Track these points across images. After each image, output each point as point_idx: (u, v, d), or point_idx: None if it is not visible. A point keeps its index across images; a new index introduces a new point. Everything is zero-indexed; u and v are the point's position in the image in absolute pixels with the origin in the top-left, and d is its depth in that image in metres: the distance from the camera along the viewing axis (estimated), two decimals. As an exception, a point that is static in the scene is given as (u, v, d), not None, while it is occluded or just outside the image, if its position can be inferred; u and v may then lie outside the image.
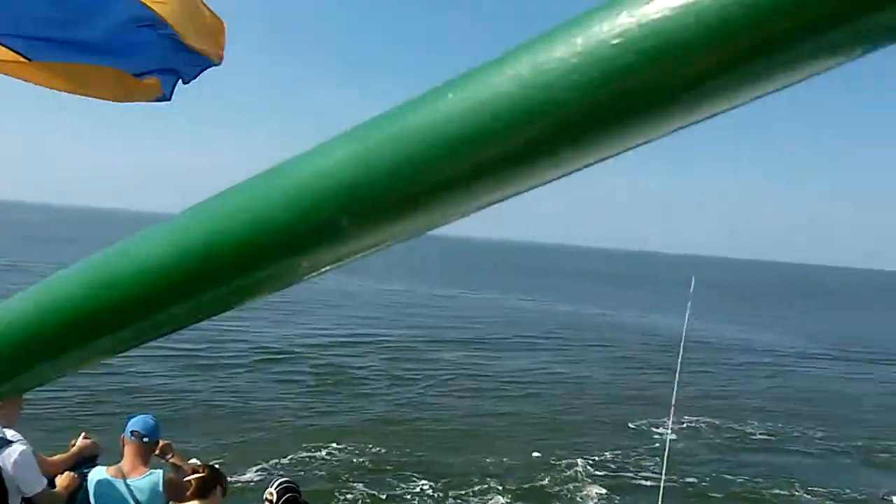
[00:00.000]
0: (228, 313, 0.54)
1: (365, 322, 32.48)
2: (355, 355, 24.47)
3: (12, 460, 4.58)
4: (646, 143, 0.46)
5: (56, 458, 5.47)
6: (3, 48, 3.41)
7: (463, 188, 0.46)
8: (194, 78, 4.34)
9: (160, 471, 4.95)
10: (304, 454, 14.30)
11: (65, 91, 3.85)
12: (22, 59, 3.47)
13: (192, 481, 4.72)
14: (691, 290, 8.41)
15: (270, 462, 13.59)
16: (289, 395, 18.91)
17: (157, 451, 5.16)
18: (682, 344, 8.16)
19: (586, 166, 0.47)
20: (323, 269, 0.52)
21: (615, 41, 0.42)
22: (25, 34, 3.50)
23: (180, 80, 4.28)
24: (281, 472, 12.17)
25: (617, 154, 0.46)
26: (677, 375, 7.89)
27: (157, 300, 0.52)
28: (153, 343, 0.60)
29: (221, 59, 4.39)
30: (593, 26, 0.43)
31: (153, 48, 3.97)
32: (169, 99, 4.25)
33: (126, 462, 4.91)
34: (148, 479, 4.82)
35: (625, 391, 22.35)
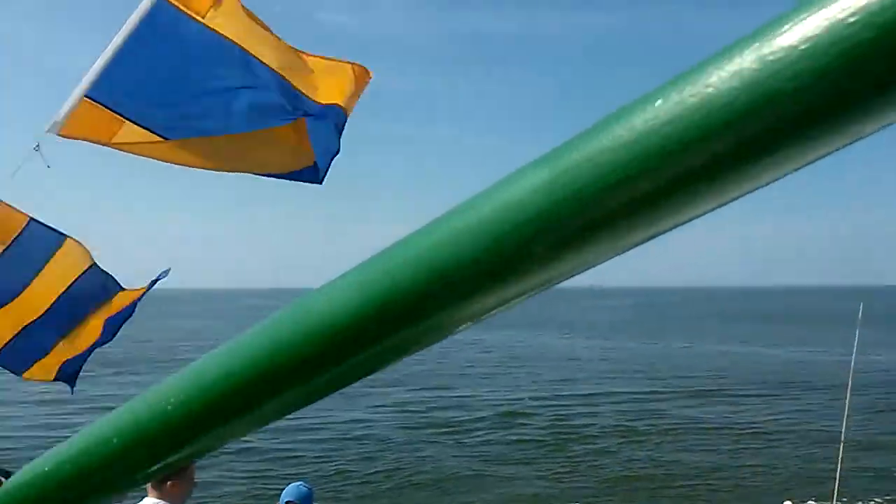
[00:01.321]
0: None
1: (580, 378, 32.59)
2: (579, 412, 24.46)
3: None
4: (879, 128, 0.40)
5: None
6: (141, 128, 3.47)
7: (677, 195, 0.42)
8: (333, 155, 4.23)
9: None
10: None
11: (206, 167, 3.89)
12: (158, 139, 3.53)
13: None
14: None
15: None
16: (522, 454, 19.11)
17: None
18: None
19: (806, 164, 0.42)
20: (512, 302, 0.50)
21: (852, 18, 0.38)
22: (161, 116, 3.59)
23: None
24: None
25: (842, 146, 0.41)
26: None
27: (350, 346, 0.51)
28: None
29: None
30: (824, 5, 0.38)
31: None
32: (320, 181, 4.24)
33: None
34: None
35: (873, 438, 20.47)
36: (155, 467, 0.66)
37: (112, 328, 3.82)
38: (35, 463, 0.74)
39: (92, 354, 3.87)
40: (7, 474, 5.31)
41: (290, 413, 0.60)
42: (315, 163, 4.08)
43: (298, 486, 5.26)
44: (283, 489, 5.31)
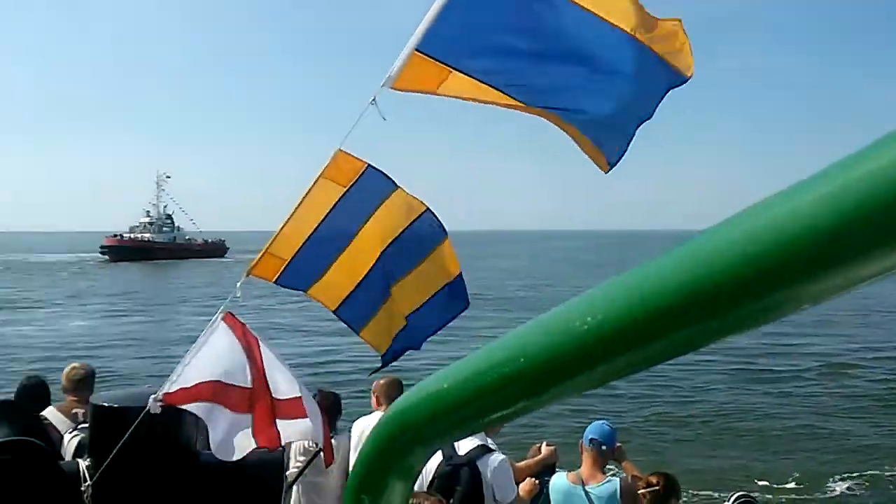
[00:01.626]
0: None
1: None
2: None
3: (493, 468, 4.75)
4: None
5: (522, 464, 5.72)
6: (467, 77, 3.47)
7: None
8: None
9: (617, 479, 5.00)
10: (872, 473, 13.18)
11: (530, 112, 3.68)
12: (484, 86, 3.49)
13: (647, 494, 4.66)
14: None
15: (837, 480, 12.89)
16: (855, 409, 17.55)
17: (613, 458, 5.24)
18: None
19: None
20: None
21: None
22: (523, 81, 3.54)
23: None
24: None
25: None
26: None
27: (727, 298, 0.47)
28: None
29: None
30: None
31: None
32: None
33: (585, 469, 4.97)
34: (606, 487, 4.85)
35: None
36: (560, 390, 0.63)
37: (453, 297, 3.93)
38: (431, 380, 0.75)
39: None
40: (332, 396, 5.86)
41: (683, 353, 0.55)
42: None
43: (602, 424, 5.22)
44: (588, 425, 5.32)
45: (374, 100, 3.39)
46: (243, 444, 2.99)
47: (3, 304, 42.95)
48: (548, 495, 5.08)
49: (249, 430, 3.02)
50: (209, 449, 2.96)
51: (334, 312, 3.81)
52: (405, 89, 3.49)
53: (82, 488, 2.70)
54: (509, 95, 3.53)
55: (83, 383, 5.50)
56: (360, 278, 3.72)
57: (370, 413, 5.93)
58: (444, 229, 3.93)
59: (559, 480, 5.06)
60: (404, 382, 5.65)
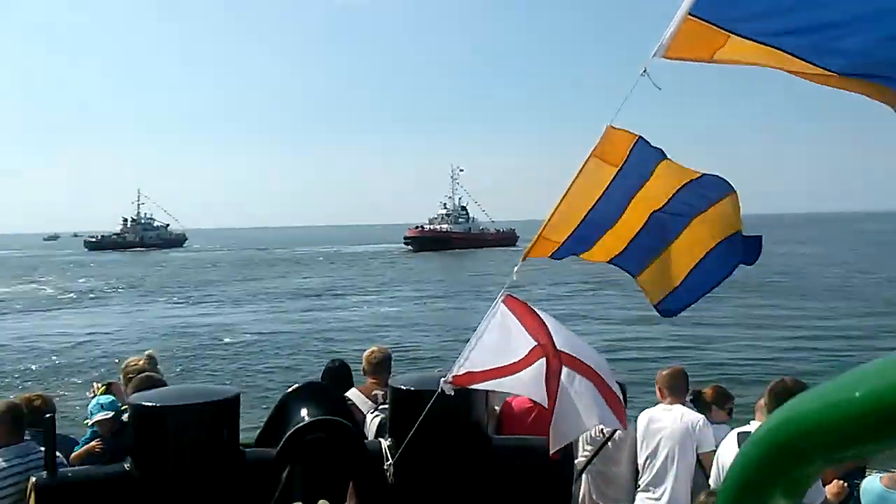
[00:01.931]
0: None
1: None
2: None
3: None
4: None
5: None
6: (748, 41, 3.09)
7: None
8: None
9: None
10: None
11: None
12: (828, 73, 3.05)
13: None
14: None
15: None
16: None
17: None
18: None
19: None
20: None
21: None
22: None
23: None
24: None
25: None
26: None
27: None
28: None
29: None
30: None
31: None
32: None
33: None
34: None
35: None
36: None
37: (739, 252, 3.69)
38: (835, 386, 0.68)
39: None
40: None
41: None
42: None
43: None
44: None
45: (645, 71, 3.21)
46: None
47: (322, 291, 48.15)
48: (858, 499, 4.72)
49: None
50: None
51: (609, 262, 3.73)
52: (678, 58, 3.25)
53: (385, 466, 2.80)
54: (807, 61, 3.13)
55: (382, 366, 5.62)
56: (633, 235, 3.62)
57: (655, 405, 5.67)
58: (730, 185, 3.69)
59: (872, 484, 4.65)
60: None
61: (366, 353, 5.79)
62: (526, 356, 2.95)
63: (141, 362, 5.90)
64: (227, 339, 28.81)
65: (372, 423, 4.82)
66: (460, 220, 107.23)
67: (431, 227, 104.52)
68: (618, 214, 3.59)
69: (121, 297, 48.61)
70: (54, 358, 25.28)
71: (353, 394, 5.33)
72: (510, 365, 2.93)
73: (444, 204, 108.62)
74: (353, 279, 58.59)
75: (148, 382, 4.79)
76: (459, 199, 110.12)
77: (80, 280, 64.26)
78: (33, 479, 2.44)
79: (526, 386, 2.91)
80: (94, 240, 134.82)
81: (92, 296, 49.80)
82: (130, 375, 5.61)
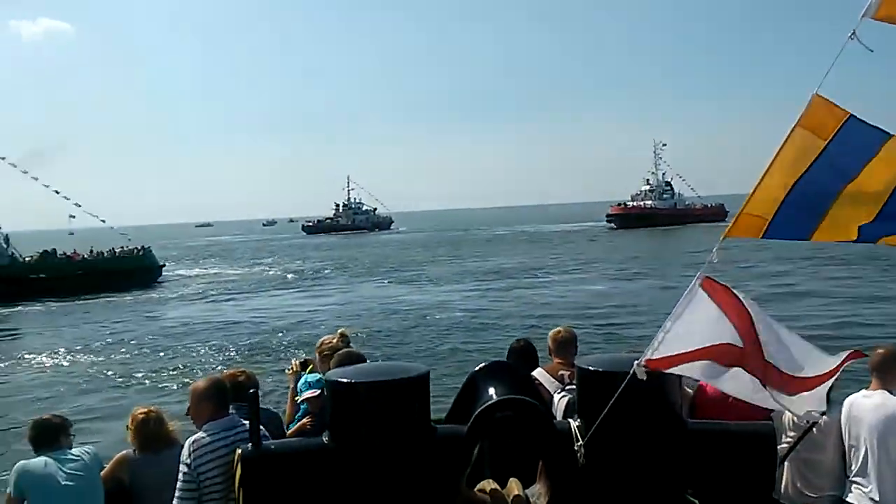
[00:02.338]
0: None
1: None
2: None
3: None
4: None
5: None
6: None
7: None
8: None
9: None
10: None
11: None
12: None
13: None
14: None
15: None
16: None
17: None
18: None
19: None
20: None
21: None
22: None
23: None
24: None
25: None
26: None
27: None
28: None
29: None
30: None
31: None
32: None
33: None
34: None
35: None
36: None
37: None
38: None
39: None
40: None
41: None
42: None
43: None
44: None
45: (853, 34, 2.88)
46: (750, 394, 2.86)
47: (524, 270, 48.53)
48: None
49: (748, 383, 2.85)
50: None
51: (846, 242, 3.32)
52: (890, 19, 2.89)
53: (575, 447, 2.74)
54: None
55: (567, 346, 5.64)
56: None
57: (858, 390, 5.20)
58: None
59: None
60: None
61: (551, 333, 5.80)
62: (724, 343, 2.86)
63: (335, 340, 6.06)
64: (433, 317, 29.75)
65: (559, 403, 4.83)
66: (665, 195, 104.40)
67: (634, 203, 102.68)
68: (831, 198, 3.21)
69: (336, 277, 51.70)
70: (280, 335, 27.30)
71: (539, 373, 5.37)
72: (705, 349, 2.85)
73: (647, 180, 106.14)
74: (557, 257, 58.51)
75: (349, 358, 4.88)
76: (663, 174, 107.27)
77: (299, 262, 69.24)
78: (239, 451, 2.55)
79: (722, 375, 2.84)
80: (311, 224, 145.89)
81: (311, 276, 53.42)
82: (325, 353, 5.81)
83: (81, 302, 42.55)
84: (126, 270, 50.93)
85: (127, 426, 4.91)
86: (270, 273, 58.44)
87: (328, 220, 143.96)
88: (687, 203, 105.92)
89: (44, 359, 25.11)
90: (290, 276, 54.67)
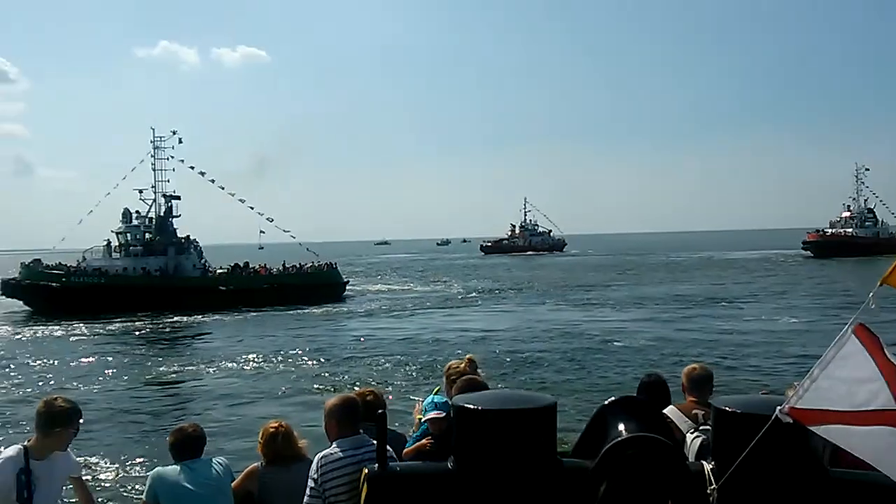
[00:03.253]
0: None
1: None
2: None
3: None
4: None
5: None
6: None
7: None
8: None
9: None
10: None
11: None
12: None
13: None
14: None
15: None
16: None
17: None
18: None
19: None
20: None
21: None
22: None
23: None
24: None
25: None
26: None
27: None
28: None
29: None
30: None
31: None
32: None
33: None
34: None
35: None
36: None
37: None
38: None
39: None
40: None
41: None
42: None
43: None
44: None
45: None
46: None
47: (708, 298, 46.32)
48: None
49: None
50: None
51: None
52: None
53: (707, 491, 2.65)
54: None
55: (703, 384, 5.41)
56: None
57: None
58: None
59: None
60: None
61: (686, 370, 5.57)
62: (877, 410, 2.57)
63: (462, 365, 6.09)
64: (612, 343, 28.97)
65: (692, 443, 4.64)
66: (867, 223, 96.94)
67: (833, 231, 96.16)
68: None
69: (512, 298, 51.78)
70: (459, 352, 27.56)
71: (671, 411, 5.22)
72: (856, 413, 2.58)
73: (848, 206, 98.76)
74: (745, 286, 55.48)
75: (471, 385, 4.87)
76: (865, 200, 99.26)
77: (476, 281, 70.09)
78: (366, 470, 2.58)
79: (871, 448, 2.56)
80: (489, 244, 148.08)
81: (488, 296, 53.91)
82: (453, 378, 5.80)
83: (273, 313, 45.29)
84: (313, 286, 53.65)
85: (258, 439, 5.07)
86: (449, 291, 59.65)
87: (505, 241, 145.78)
88: (891, 232, 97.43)
89: (231, 364, 26.83)
90: (468, 295, 55.54)
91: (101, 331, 38.97)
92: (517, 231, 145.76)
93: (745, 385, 19.43)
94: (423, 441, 5.39)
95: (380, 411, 2.76)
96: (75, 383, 23.72)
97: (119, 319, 42.74)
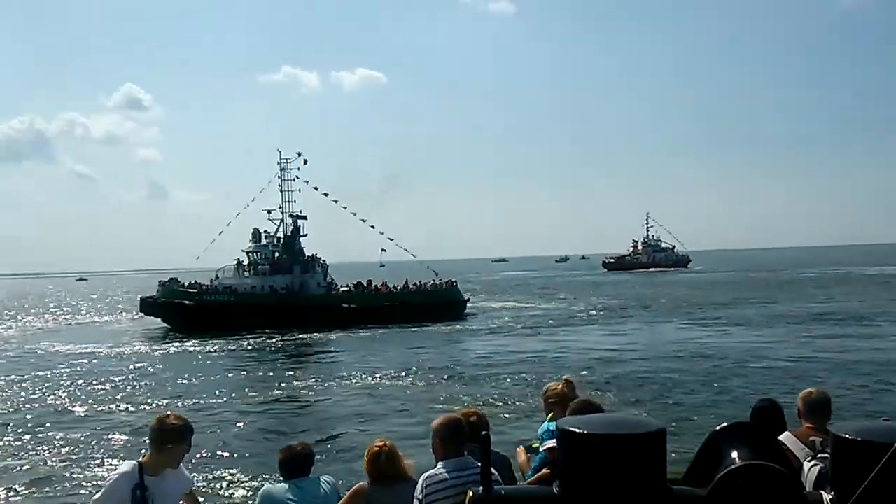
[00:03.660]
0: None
1: None
2: None
3: None
4: None
5: None
6: None
7: None
8: None
9: None
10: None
11: None
12: None
13: None
14: None
15: None
16: None
17: None
18: None
19: None
20: None
21: None
22: None
23: None
24: None
25: None
26: None
27: None
28: None
29: None
30: None
31: None
32: None
33: None
34: None
35: None
36: None
37: None
38: None
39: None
40: None
41: None
42: None
43: None
44: None
45: None
46: None
47: (845, 317, 43.75)
48: None
49: None
50: None
51: None
52: None
53: None
54: None
55: (820, 409, 5.18)
56: None
57: None
58: None
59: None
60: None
61: (802, 394, 5.36)
62: None
63: (559, 387, 6.07)
64: (746, 364, 27.57)
65: (810, 472, 4.54)
66: None
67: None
68: None
69: (638, 316, 50.35)
70: (584, 372, 26.86)
71: (786, 438, 5.05)
72: None
73: None
74: (889, 302, 51.75)
75: (583, 407, 4.83)
76: None
77: (597, 298, 68.74)
78: (470, 492, 2.48)
79: None
80: (612, 261, 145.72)
81: (612, 314, 52.62)
82: (551, 400, 5.92)
83: (397, 331, 45.83)
84: (434, 304, 54.07)
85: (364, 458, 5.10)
86: (572, 309, 58.64)
87: (627, 257, 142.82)
88: None
89: (354, 381, 27.16)
90: (591, 313, 54.48)
91: (231, 347, 40.48)
92: (640, 247, 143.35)
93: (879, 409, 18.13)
94: (543, 472, 5.34)
95: (483, 433, 2.65)
96: (204, 398, 24.62)
97: (249, 336, 44.37)
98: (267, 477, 14.31)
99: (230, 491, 14.24)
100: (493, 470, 2.76)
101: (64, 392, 26.62)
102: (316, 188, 58.57)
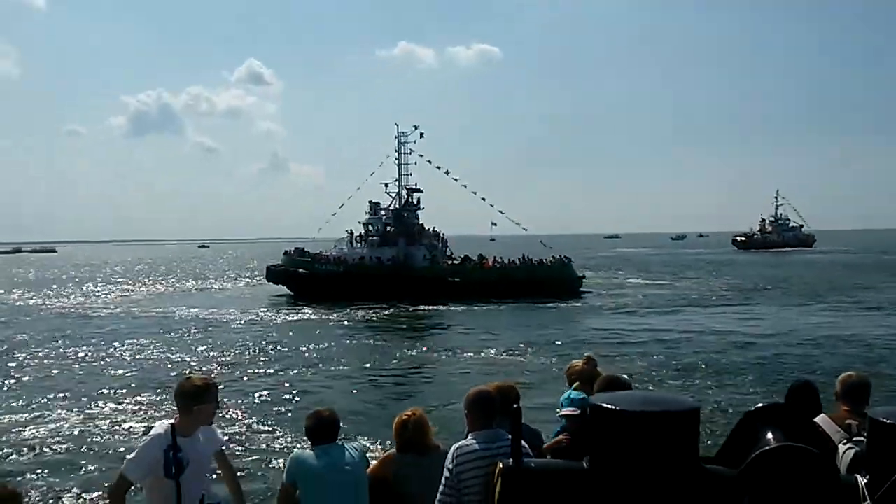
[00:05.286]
0: None
1: None
2: None
3: None
4: None
5: None
6: None
7: None
8: None
9: None
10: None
11: None
12: None
13: None
14: None
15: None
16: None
17: None
18: None
19: None
20: None
21: None
22: None
23: None
24: None
25: None
26: None
27: None
28: None
29: None
30: None
31: None
32: None
33: None
34: None
35: None
36: None
37: None
38: None
39: None
40: None
41: None
42: None
43: None
44: None
45: None
46: None
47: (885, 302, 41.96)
48: None
49: None
50: None
51: None
52: None
53: None
54: None
55: (859, 393, 5.13)
56: None
57: None
58: None
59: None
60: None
61: (841, 377, 5.29)
62: None
63: (581, 364, 6.35)
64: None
65: (845, 455, 4.45)
66: None
67: None
68: None
69: (771, 299, 47.12)
70: (716, 355, 24.99)
71: (822, 420, 5.04)
72: None
73: None
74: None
75: (612, 384, 5.02)
76: None
77: (725, 279, 65.65)
78: (500, 464, 2.31)
79: None
80: (742, 239, 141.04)
81: (742, 295, 49.66)
82: (573, 377, 6.27)
83: (504, 306, 44.67)
84: (545, 280, 52.38)
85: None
86: (700, 289, 55.75)
87: (755, 236, 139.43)
88: None
89: (462, 355, 26.57)
90: (722, 293, 51.77)
91: (340, 317, 40.87)
92: (767, 225, 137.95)
93: None
94: (560, 437, 5.68)
95: (514, 406, 2.49)
96: (309, 366, 24.90)
97: (360, 306, 44.58)
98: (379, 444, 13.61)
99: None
100: (525, 443, 2.81)
101: (197, 355, 27.82)
102: (430, 161, 58.11)
